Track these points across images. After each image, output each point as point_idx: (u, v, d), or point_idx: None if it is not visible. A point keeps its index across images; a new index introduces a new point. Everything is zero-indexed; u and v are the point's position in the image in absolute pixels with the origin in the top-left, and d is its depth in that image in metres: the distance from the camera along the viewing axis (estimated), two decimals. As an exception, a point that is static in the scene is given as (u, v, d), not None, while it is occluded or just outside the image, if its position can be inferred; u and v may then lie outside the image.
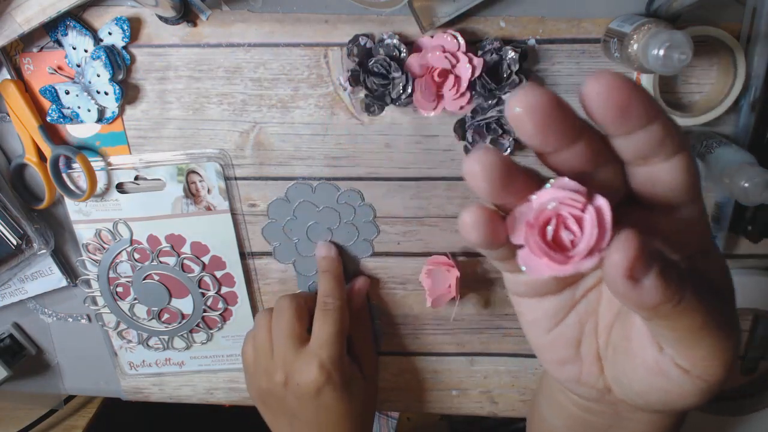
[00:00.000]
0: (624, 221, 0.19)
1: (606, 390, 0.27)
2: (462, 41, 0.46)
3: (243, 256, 0.56)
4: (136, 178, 0.53)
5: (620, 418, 0.29)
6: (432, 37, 0.47)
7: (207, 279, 0.57)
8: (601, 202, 0.19)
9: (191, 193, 0.53)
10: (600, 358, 0.27)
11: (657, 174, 0.22)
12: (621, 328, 0.26)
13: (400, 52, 0.47)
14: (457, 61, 0.46)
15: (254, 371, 0.53)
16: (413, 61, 0.46)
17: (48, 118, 0.49)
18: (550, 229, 0.19)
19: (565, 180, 0.19)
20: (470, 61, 0.46)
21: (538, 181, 0.20)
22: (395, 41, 0.46)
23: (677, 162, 0.21)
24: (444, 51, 0.46)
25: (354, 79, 0.48)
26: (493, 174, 0.19)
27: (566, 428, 0.33)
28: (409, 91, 0.47)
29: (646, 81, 0.46)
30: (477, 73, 0.46)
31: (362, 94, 0.49)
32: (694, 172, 0.22)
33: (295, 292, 0.56)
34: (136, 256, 0.56)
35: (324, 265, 0.53)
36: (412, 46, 0.47)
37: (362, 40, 0.47)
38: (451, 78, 0.46)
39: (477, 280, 0.56)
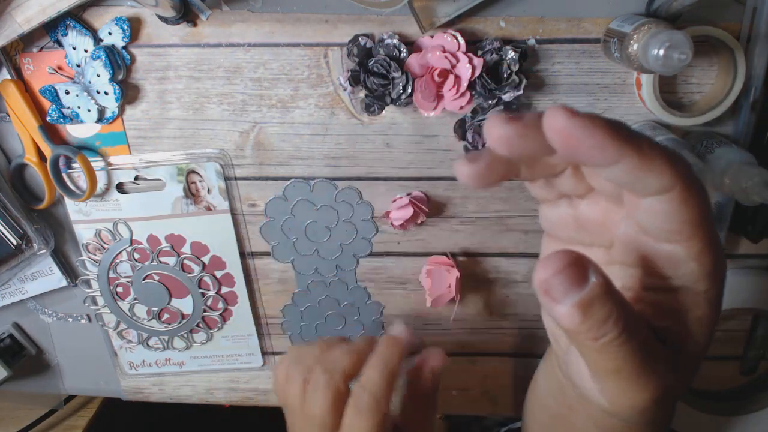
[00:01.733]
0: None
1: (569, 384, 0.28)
2: (462, 41, 0.46)
3: (243, 256, 0.56)
4: (136, 178, 0.53)
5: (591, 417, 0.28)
6: (432, 37, 0.47)
7: (207, 279, 0.57)
8: None
9: (191, 193, 0.53)
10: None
11: (641, 207, 0.22)
12: None
13: (400, 52, 0.47)
14: (457, 61, 0.46)
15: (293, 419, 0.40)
16: (413, 61, 0.46)
17: (48, 118, 0.49)
18: None
19: None
20: (470, 61, 0.46)
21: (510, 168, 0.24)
22: (395, 41, 0.46)
23: (663, 201, 0.21)
24: (444, 51, 0.46)
25: (354, 79, 0.48)
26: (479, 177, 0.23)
27: (548, 426, 0.33)
28: (409, 91, 0.47)
29: (646, 81, 0.46)
30: (477, 73, 0.46)
31: (362, 94, 0.49)
32: (686, 213, 0.21)
33: (336, 351, 0.40)
34: (136, 256, 0.56)
35: (384, 347, 0.39)
36: (412, 46, 0.47)
37: (362, 40, 0.47)
38: (451, 78, 0.46)
39: (477, 280, 0.56)
